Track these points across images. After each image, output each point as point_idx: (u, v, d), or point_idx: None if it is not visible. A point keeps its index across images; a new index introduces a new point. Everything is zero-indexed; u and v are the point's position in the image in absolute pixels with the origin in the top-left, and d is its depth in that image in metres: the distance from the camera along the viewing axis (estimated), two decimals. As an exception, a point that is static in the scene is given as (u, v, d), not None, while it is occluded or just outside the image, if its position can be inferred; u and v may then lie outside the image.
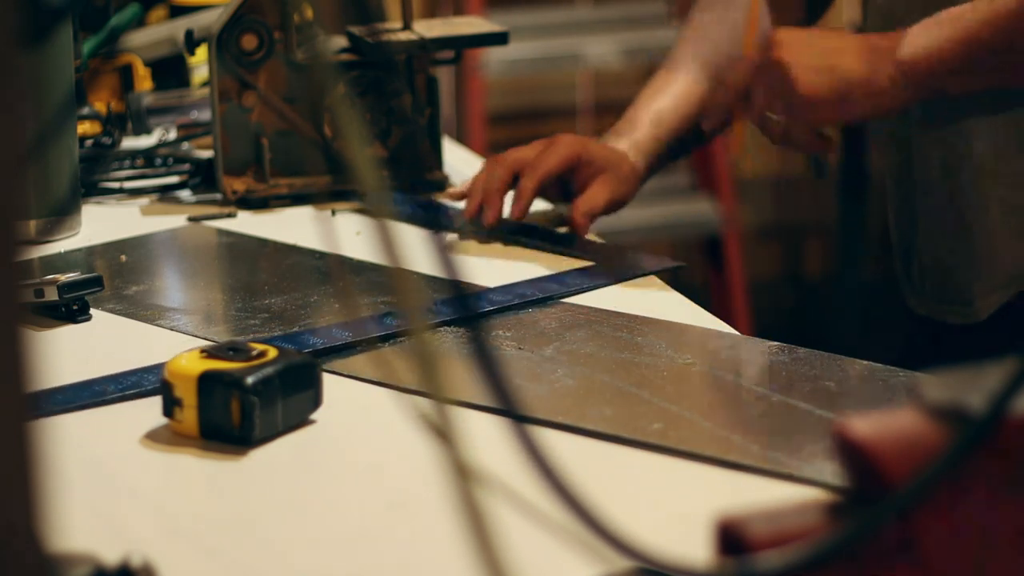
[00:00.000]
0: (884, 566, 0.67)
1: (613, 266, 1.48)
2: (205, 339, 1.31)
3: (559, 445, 1.10)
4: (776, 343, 1.29)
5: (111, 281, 1.46)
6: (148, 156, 1.78)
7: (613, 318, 1.35)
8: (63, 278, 1.35)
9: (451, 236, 1.58)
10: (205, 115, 1.85)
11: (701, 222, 3.75)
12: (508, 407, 0.67)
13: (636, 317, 1.35)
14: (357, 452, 1.13)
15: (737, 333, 1.32)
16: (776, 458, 1.07)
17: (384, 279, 1.43)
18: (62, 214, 1.60)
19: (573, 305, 1.39)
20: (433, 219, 1.61)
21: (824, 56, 1.42)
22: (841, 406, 1.20)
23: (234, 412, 1.11)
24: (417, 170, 1.76)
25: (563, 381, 1.22)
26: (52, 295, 1.34)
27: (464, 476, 0.66)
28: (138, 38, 1.96)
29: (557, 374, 1.23)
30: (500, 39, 1.72)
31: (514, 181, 1.57)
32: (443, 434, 0.67)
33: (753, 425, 1.14)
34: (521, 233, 1.56)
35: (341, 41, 1.72)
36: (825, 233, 4.08)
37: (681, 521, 0.98)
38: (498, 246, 1.55)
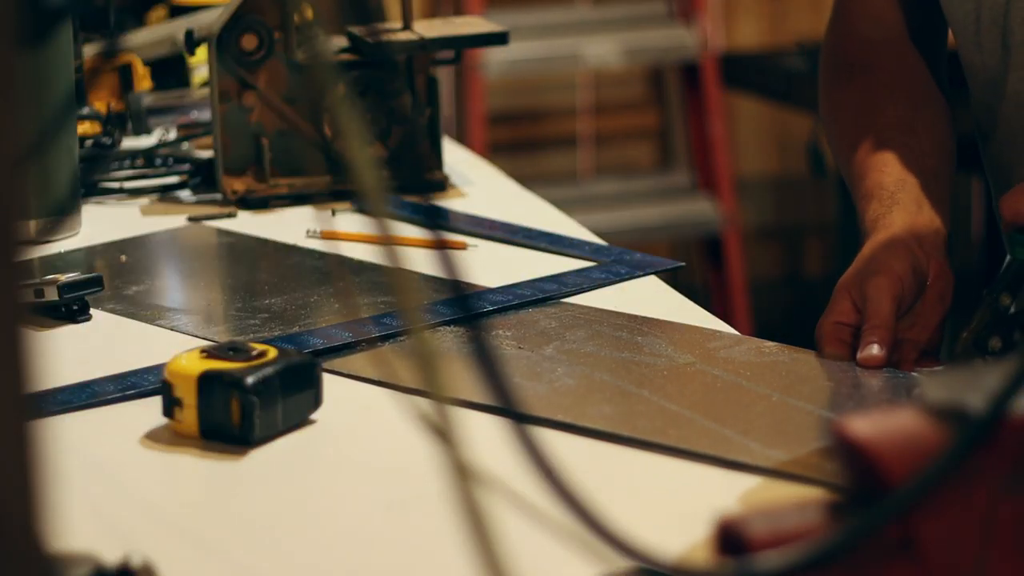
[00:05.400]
0: (884, 566, 0.67)
1: (613, 266, 1.48)
2: (205, 339, 1.31)
3: (560, 444, 1.10)
4: (776, 343, 1.29)
5: (111, 281, 1.45)
6: (148, 156, 1.78)
7: (613, 318, 1.35)
8: (63, 278, 1.35)
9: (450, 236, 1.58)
10: (205, 115, 1.85)
11: (701, 222, 3.75)
12: (509, 406, 0.67)
13: (636, 317, 1.35)
14: (357, 452, 1.13)
15: (737, 333, 1.32)
16: (776, 457, 1.07)
17: (384, 279, 1.43)
18: (62, 214, 1.60)
19: (572, 305, 1.39)
20: (433, 220, 1.61)
21: None
22: (841, 406, 1.20)
23: (234, 412, 1.11)
24: (417, 170, 1.76)
25: (563, 380, 1.22)
26: (52, 295, 1.34)
27: (464, 476, 0.66)
28: (138, 38, 1.96)
29: (557, 373, 1.23)
30: (500, 39, 1.72)
31: None
32: (443, 434, 0.67)
33: (754, 424, 1.14)
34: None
35: (341, 41, 1.72)
36: (825, 233, 4.08)
37: (681, 521, 0.98)
38: (498, 246, 1.55)
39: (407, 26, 1.69)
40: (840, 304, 1.31)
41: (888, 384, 1.23)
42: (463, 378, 1.18)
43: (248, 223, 1.65)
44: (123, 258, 1.54)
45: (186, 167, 1.77)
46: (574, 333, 1.32)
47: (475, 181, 1.77)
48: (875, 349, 1.26)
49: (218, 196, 1.70)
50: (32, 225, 1.58)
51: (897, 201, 1.38)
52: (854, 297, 1.30)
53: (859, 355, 1.27)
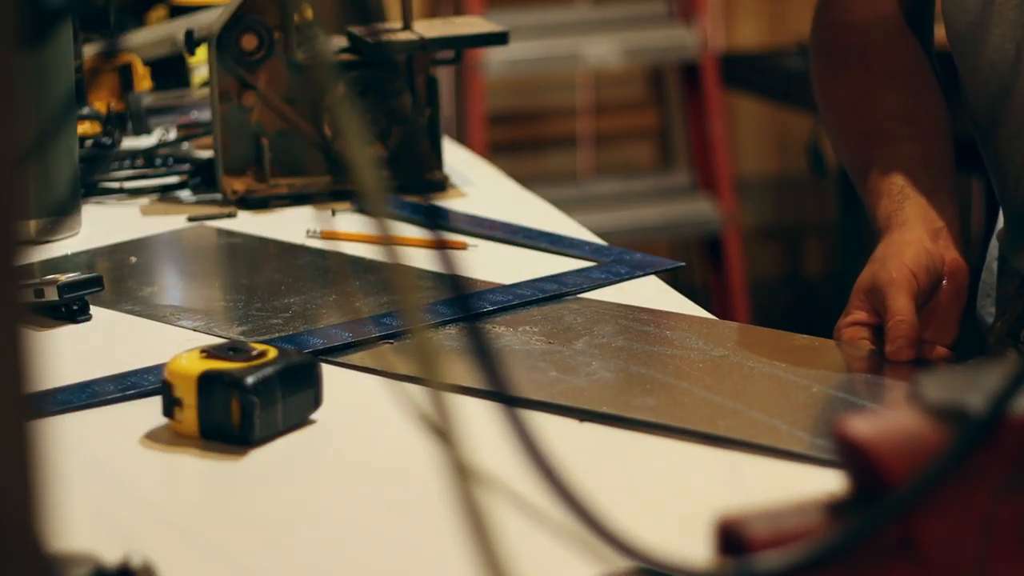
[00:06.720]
0: (884, 566, 0.67)
1: (613, 266, 1.48)
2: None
3: (561, 443, 1.10)
4: (806, 336, 1.29)
5: (124, 283, 1.45)
6: (148, 156, 1.78)
7: (638, 312, 1.35)
8: (63, 278, 1.35)
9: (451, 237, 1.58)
10: (205, 115, 1.85)
11: (701, 222, 3.75)
12: (507, 401, 0.67)
13: (661, 312, 1.35)
14: (357, 452, 1.13)
15: (767, 328, 1.32)
16: (824, 446, 1.08)
17: (390, 278, 1.43)
18: (62, 214, 1.60)
19: (595, 301, 1.39)
20: (433, 220, 1.61)
21: None
22: (881, 396, 1.21)
23: (234, 412, 1.11)
24: (417, 170, 1.76)
25: (600, 374, 1.22)
26: (52, 295, 1.34)
27: (464, 476, 0.66)
28: (138, 38, 1.97)
29: (592, 367, 1.23)
30: (500, 39, 1.72)
31: None
32: (444, 434, 0.67)
33: (800, 415, 1.14)
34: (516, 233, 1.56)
35: (341, 41, 1.72)
36: (825, 233, 4.08)
37: (682, 521, 0.98)
38: (498, 246, 1.56)
39: (407, 26, 1.69)
40: (857, 305, 1.31)
41: (918, 372, 1.24)
42: (464, 378, 1.18)
43: (248, 223, 1.65)
44: (132, 259, 1.54)
45: (186, 167, 1.77)
46: (601, 328, 1.32)
47: (475, 181, 1.77)
48: (902, 344, 1.26)
49: (218, 196, 1.70)
50: (32, 225, 1.58)
51: (907, 196, 1.37)
52: (871, 298, 1.30)
53: (887, 351, 1.26)
